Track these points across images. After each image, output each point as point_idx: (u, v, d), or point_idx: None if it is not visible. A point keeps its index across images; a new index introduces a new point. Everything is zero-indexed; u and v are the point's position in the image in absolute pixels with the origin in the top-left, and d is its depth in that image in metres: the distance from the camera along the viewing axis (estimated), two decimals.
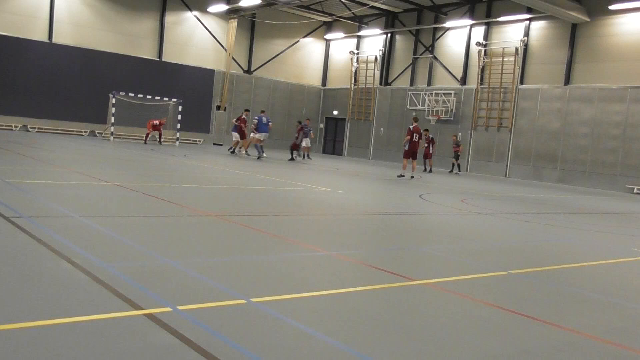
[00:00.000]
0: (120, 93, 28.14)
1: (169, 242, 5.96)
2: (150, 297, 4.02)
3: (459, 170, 27.40)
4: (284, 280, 4.88)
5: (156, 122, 28.09)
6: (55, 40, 28.55)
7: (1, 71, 27.21)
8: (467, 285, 5.20)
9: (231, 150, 25.41)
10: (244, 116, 25.15)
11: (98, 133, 29.59)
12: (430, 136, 26.44)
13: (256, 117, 24.12)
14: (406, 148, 19.78)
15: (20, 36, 27.57)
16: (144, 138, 28.46)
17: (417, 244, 7.37)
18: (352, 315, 4.09)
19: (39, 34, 28.23)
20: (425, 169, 26.03)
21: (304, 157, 26.56)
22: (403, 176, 19.72)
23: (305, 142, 26.33)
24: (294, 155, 25.23)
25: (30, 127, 28.03)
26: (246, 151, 25.63)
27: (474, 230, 8.90)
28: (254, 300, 4.15)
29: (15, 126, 27.68)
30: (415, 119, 20.34)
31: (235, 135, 25.05)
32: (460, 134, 29.52)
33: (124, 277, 4.45)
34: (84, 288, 4.11)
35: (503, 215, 11.31)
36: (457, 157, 27.16)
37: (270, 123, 24.11)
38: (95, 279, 4.31)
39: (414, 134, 19.70)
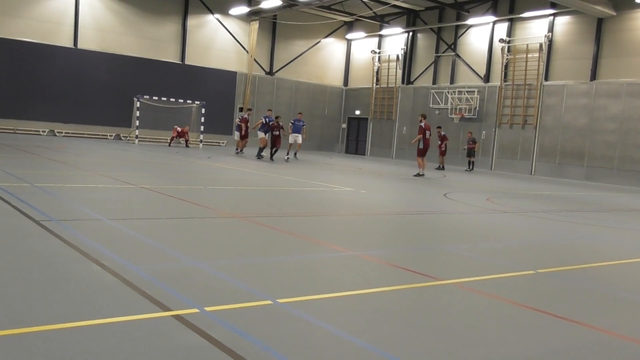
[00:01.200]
0: (145, 97, 28.46)
1: (195, 244, 6.02)
2: (177, 299, 4.06)
3: (473, 168, 27.13)
4: (310, 280, 4.89)
5: (179, 129, 28.31)
6: (80, 45, 28.99)
7: (29, 77, 27.71)
8: (494, 285, 5.15)
9: (237, 151, 25.17)
10: (246, 116, 25.12)
11: (123, 136, 29.96)
12: (443, 133, 25.99)
13: (264, 117, 23.23)
14: (420, 147, 19.52)
15: (46, 42, 28.05)
16: (169, 141, 28.73)
17: (442, 244, 7.32)
18: (378, 316, 4.08)
19: (65, 40, 28.69)
20: (439, 167, 25.79)
21: (290, 157, 23.53)
22: (423, 175, 19.48)
23: (295, 139, 23.64)
24: (261, 154, 23.07)
25: (58, 132, 28.49)
26: (241, 150, 25.16)
27: (501, 229, 8.82)
28: (280, 301, 4.17)
29: (43, 131, 28.16)
30: (424, 116, 20.08)
31: (237, 135, 25.09)
32: (483, 131, 29.24)
33: (152, 278, 4.50)
34: (113, 290, 4.17)
35: (529, 213, 11.18)
36: (472, 154, 26.91)
37: (272, 122, 22.62)
38: (123, 281, 4.37)
39: (426, 132, 19.46)
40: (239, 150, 25.17)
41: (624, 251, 7.62)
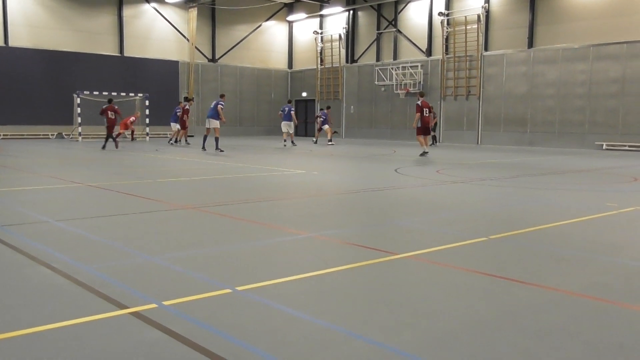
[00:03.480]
0: (85, 92, 27.63)
1: (148, 239, 5.92)
2: (134, 295, 3.99)
3: (435, 142, 27.49)
4: (268, 266, 4.88)
5: (132, 118, 27.35)
6: (12, 43, 27.86)
7: None
8: (448, 255, 5.26)
9: (171, 141, 24.89)
10: (187, 107, 24.73)
11: (66, 135, 29.07)
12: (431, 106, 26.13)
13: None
14: (418, 125, 18.88)
15: None
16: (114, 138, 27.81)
17: (396, 219, 7.42)
18: (338, 295, 4.12)
19: None
20: (432, 142, 25.94)
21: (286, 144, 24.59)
22: (427, 152, 18.92)
23: (287, 127, 24.26)
24: (174, 141, 24.21)
25: None
26: (186, 140, 25.03)
27: (451, 200, 8.99)
28: (239, 288, 4.15)
29: None
30: (422, 94, 19.46)
31: (174, 125, 24.82)
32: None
33: (106, 277, 4.41)
34: (66, 292, 4.07)
35: (478, 182, 11.43)
36: (433, 128, 27.19)
37: (219, 106, 20.01)
38: (76, 282, 4.27)
39: (424, 109, 18.78)
40: (174, 141, 24.70)
41: (569, 211, 7.88)
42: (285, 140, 24.54)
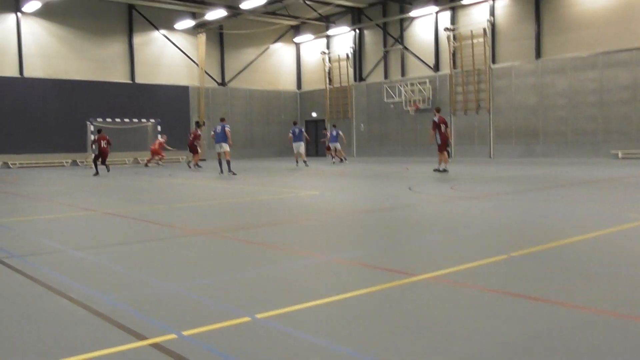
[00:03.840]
0: (98, 119, 27.86)
1: (165, 266, 5.85)
2: (153, 326, 3.91)
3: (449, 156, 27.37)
4: (287, 291, 4.79)
5: (159, 142, 27.32)
6: (26, 74, 28.26)
7: None
8: (469, 274, 5.14)
9: (190, 166, 25.17)
10: (198, 132, 24.96)
11: (80, 162, 29.27)
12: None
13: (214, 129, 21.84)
14: (439, 142, 18.13)
15: None
16: (147, 162, 27.87)
17: (413, 238, 7.30)
18: (360, 320, 4.01)
19: (10, 70, 27.93)
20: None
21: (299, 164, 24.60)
22: (447, 171, 18.21)
23: (297, 148, 24.31)
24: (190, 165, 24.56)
25: (11, 164, 27.69)
26: (197, 164, 25.06)
27: (468, 216, 8.86)
28: (258, 316, 4.06)
29: None
30: (438, 109, 18.90)
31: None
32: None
33: (124, 307, 4.33)
34: (84, 323, 3.99)
35: (494, 197, 11.29)
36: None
37: (227, 128, 20.18)
38: (95, 313, 4.20)
39: (441, 125, 18.22)
40: (192, 165, 24.89)
41: (589, 224, 7.73)
42: (297, 162, 24.50)
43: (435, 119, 18.31)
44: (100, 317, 4.12)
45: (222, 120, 20.86)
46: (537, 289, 4.62)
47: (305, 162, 24.68)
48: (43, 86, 28.63)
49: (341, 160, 26.61)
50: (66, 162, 29.17)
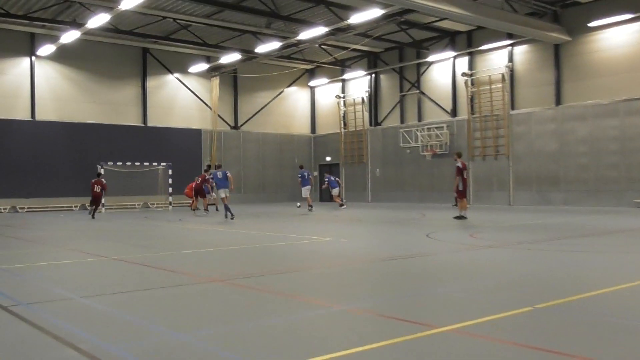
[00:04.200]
0: (108, 163, 28.20)
1: (176, 315, 5.82)
2: None
3: (457, 204, 27.25)
4: (302, 343, 4.73)
5: (199, 180, 26.91)
6: (38, 117, 28.78)
7: None
8: (492, 327, 5.06)
9: (207, 210, 25.48)
10: (207, 176, 25.07)
11: (88, 207, 29.47)
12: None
13: (211, 174, 22.86)
14: (460, 188, 18.39)
15: (3, 117, 27.78)
16: (192, 205, 27.29)
17: (432, 287, 7.23)
18: None
19: (22, 113, 28.47)
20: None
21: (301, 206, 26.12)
22: (466, 218, 18.35)
23: (305, 192, 25.12)
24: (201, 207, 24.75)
25: (20, 208, 27.95)
26: (206, 209, 25.35)
27: (489, 265, 8.77)
28: None
29: (4, 208, 27.59)
30: (459, 155, 18.95)
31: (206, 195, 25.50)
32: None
33: (133, 358, 4.30)
34: None
35: (516, 246, 11.19)
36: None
37: (229, 174, 21.74)
38: None
39: (464, 171, 18.44)
40: (204, 209, 25.19)
41: (617, 276, 7.61)
42: (310, 206, 24.67)
43: (459, 164, 18.43)
44: None
45: (219, 167, 22.43)
46: (562, 343, 4.53)
47: (310, 206, 25.03)
48: (54, 129, 29.12)
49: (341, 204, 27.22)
50: (75, 207, 29.39)
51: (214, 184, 22.06)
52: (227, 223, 18.91)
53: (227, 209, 20.80)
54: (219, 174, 21.32)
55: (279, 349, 4.54)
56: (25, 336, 5.05)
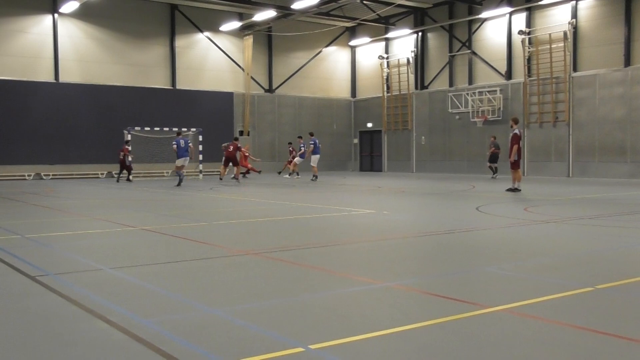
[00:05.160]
0: (135, 128, 28.63)
1: (208, 289, 5.95)
2: (197, 354, 3.98)
3: (495, 174, 27.04)
4: (343, 320, 4.79)
5: (244, 149, 28.03)
6: (62, 79, 29.31)
7: (9, 117, 27.95)
8: (549, 308, 5.03)
9: (236, 178, 26.05)
10: (239, 144, 25.99)
11: (115, 174, 30.09)
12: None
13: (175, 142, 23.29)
14: (516, 158, 17.75)
15: (25, 79, 28.38)
16: (245, 173, 29.04)
17: (484, 264, 7.20)
18: (423, 355, 3.98)
19: (45, 75, 29.03)
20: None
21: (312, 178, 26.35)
22: (520, 190, 17.89)
23: (314, 160, 26.69)
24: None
25: (45, 175, 28.70)
26: (237, 178, 25.92)
27: (546, 242, 8.68)
28: (312, 347, 4.08)
29: (29, 175, 28.37)
30: (516, 121, 18.24)
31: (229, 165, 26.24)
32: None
33: (166, 332, 4.43)
34: (123, 349, 4.10)
35: (575, 221, 11.04)
36: (495, 159, 26.91)
37: (190, 144, 23.66)
38: (135, 338, 4.30)
39: (520, 140, 17.93)
40: (244, 174, 25.90)
41: None
42: (315, 176, 25.96)
43: (517, 131, 17.88)
44: (141, 342, 4.22)
45: (179, 134, 24.23)
46: (628, 327, 4.49)
47: (315, 176, 26.02)
48: (79, 92, 29.64)
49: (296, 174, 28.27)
50: (101, 174, 30.04)
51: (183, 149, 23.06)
52: (261, 194, 19.08)
53: (180, 175, 23.19)
54: (182, 142, 23.08)
55: (317, 327, 4.61)
56: (54, 307, 5.24)
